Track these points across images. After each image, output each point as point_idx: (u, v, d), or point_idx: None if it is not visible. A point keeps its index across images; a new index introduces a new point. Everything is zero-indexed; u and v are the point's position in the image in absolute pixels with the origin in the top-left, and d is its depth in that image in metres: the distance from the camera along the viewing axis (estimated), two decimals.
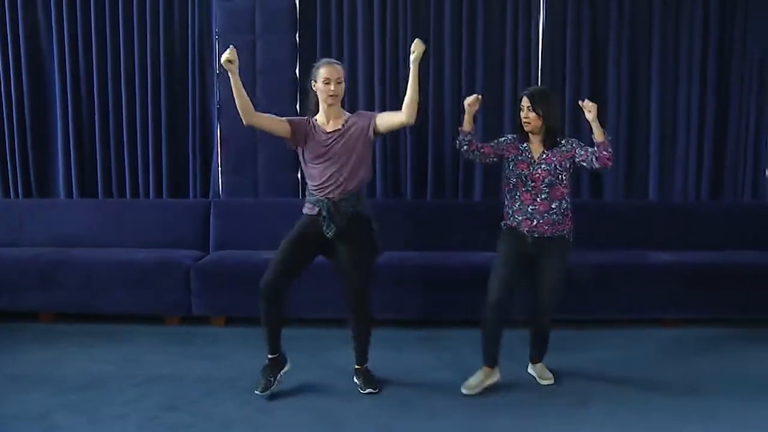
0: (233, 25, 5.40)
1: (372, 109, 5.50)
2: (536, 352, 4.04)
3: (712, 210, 5.62)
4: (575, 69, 5.57)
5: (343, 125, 3.71)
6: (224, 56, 3.50)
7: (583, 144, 3.79)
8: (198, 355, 4.41)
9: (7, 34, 5.59)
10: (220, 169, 5.61)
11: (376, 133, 3.72)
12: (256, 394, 3.71)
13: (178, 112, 5.67)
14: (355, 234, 3.70)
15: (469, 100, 3.86)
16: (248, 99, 3.62)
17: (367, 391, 3.81)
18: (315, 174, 3.70)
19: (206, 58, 5.58)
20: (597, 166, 3.66)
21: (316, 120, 3.74)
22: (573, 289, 4.62)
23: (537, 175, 3.74)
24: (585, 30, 5.54)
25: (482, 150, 3.90)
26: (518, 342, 4.07)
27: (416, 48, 3.54)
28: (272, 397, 3.72)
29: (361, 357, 3.93)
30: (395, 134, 5.47)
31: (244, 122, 3.64)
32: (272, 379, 3.75)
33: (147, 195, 5.71)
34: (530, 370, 4.06)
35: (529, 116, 3.75)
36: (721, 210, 5.62)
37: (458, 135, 3.93)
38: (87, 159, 5.73)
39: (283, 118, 3.72)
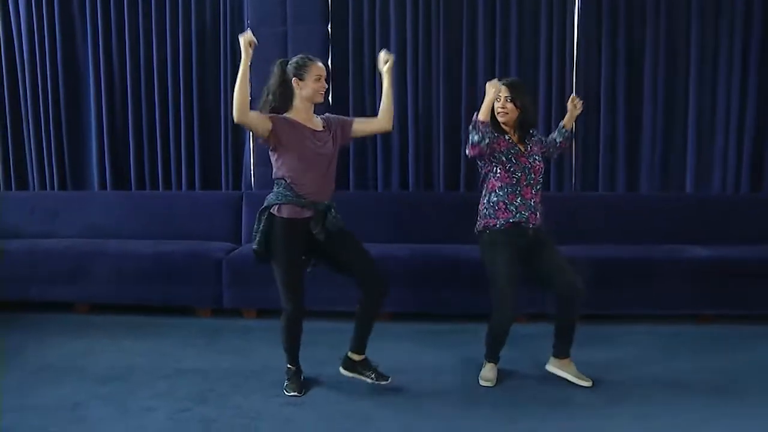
0: (264, 16, 5.39)
1: (408, 102, 5.50)
2: (565, 346, 3.81)
3: (751, 204, 5.45)
4: (611, 62, 5.45)
5: (326, 126, 3.60)
6: (246, 37, 3.32)
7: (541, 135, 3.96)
8: (228, 348, 4.39)
9: (43, 27, 5.65)
10: (252, 160, 5.59)
11: (350, 138, 3.73)
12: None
13: (210, 103, 5.68)
14: (338, 225, 3.57)
15: (496, 84, 3.60)
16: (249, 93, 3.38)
17: (383, 381, 3.65)
18: (307, 176, 3.47)
19: (238, 49, 5.44)
20: (555, 155, 4.06)
21: (294, 119, 3.50)
22: (606, 283, 4.62)
23: (537, 167, 3.70)
24: (621, 22, 5.41)
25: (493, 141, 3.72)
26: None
27: (386, 58, 3.59)
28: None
29: (365, 345, 3.71)
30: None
31: (237, 118, 3.33)
32: (303, 382, 3.71)
33: (179, 187, 5.74)
34: (554, 368, 3.84)
35: (506, 106, 3.65)
36: (760, 204, 5.44)
37: (478, 126, 3.54)
38: (120, 152, 5.78)
39: (265, 115, 3.44)
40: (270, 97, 3.50)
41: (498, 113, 3.66)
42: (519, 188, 3.67)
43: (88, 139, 5.82)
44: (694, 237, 5.17)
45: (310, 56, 3.55)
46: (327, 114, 3.74)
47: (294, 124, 3.48)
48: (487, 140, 3.53)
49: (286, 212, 3.47)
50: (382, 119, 3.68)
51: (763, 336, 4.60)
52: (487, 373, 3.81)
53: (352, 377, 3.71)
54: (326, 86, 3.55)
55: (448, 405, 3.56)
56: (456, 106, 5.50)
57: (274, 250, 3.50)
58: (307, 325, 3.72)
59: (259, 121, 3.40)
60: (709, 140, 5.51)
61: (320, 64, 3.54)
